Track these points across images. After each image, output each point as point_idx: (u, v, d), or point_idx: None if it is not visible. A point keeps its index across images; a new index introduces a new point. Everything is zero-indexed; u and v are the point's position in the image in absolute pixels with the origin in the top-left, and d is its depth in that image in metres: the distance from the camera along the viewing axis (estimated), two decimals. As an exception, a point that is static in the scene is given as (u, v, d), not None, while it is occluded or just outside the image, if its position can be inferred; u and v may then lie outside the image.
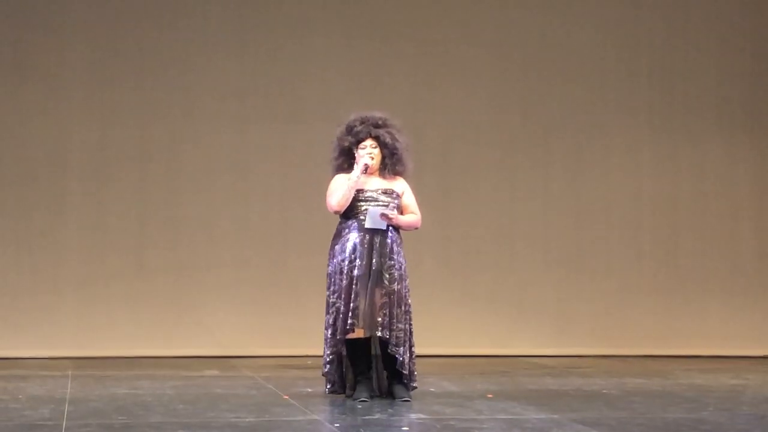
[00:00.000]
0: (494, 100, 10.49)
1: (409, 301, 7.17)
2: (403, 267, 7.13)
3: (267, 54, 10.19)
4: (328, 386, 7.22)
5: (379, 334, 6.99)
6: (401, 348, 7.04)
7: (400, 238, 7.20)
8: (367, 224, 7.04)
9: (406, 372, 7.07)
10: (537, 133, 10.54)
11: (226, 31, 10.16)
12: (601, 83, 10.63)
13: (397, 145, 7.20)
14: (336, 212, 7.17)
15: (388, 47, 10.35)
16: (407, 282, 7.17)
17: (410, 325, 7.16)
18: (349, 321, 6.99)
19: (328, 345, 7.12)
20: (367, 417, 6.54)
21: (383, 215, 7.03)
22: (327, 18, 10.29)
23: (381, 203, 7.11)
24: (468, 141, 10.43)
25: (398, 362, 7.03)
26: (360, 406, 6.87)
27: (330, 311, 7.10)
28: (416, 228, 7.30)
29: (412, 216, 7.24)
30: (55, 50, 9.93)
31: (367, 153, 7.14)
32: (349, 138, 7.19)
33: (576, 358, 10.12)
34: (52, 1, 9.95)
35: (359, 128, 7.18)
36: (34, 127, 9.89)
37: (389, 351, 7.02)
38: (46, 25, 9.92)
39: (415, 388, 7.21)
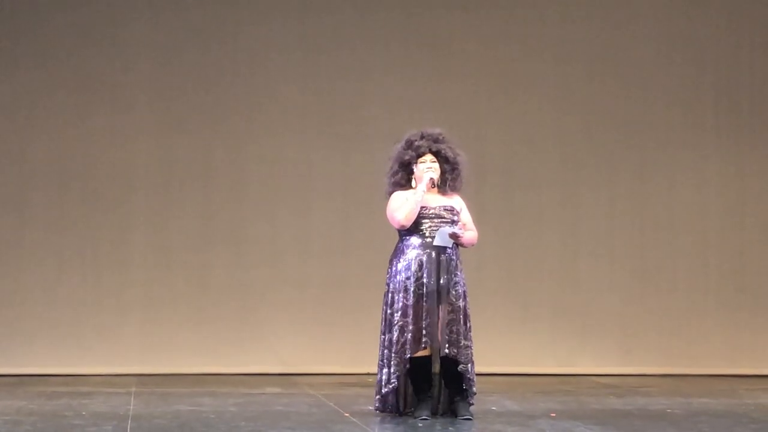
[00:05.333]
0: (557, 115, 10.43)
1: (470, 314, 7.11)
2: (464, 284, 7.11)
3: (329, 71, 10.22)
4: (379, 405, 7.11)
5: (447, 351, 6.95)
6: (469, 365, 7.00)
7: (459, 255, 7.17)
8: (436, 242, 7.00)
9: (474, 390, 7.02)
10: (601, 149, 10.46)
11: (288, 53, 10.20)
12: (666, 98, 10.52)
13: (458, 159, 7.18)
14: (402, 226, 7.08)
15: (450, 64, 10.33)
16: (468, 299, 7.14)
17: (471, 341, 7.12)
18: (423, 339, 6.93)
19: (391, 363, 7.02)
20: (428, 435, 6.52)
21: (452, 234, 7.00)
22: (388, 36, 10.30)
23: (445, 220, 7.07)
24: (531, 157, 10.38)
25: (466, 380, 6.99)
26: (421, 425, 6.84)
27: (393, 329, 7.04)
28: (473, 245, 7.25)
29: (472, 233, 7.22)
30: (119, 70, 10.03)
31: (427, 167, 7.11)
32: (410, 152, 7.16)
33: (640, 378, 10.01)
34: (115, 21, 10.05)
35: (420, 143, 7.15)
36: (100, 148, 10.00)
37: (459, 369, 6.97)
38: (111, 45, 10.03)
39: (472, 405, 7.14)
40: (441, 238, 6.99)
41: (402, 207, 7.07)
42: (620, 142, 10.48)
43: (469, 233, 7.18)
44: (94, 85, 10.01)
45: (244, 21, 10.19)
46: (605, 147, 10.46)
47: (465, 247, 7.20)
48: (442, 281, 7.00)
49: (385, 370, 7.05)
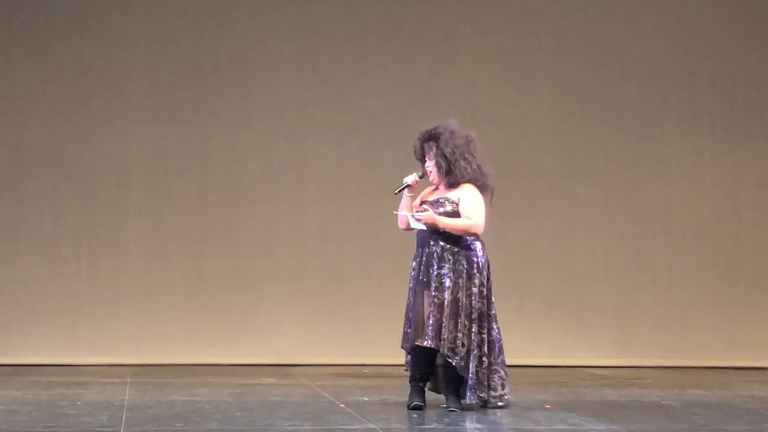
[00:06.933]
0: (553, 108, 10.44)
1: (477, 310, 7.05)
2: (465, 275, 7.03)
3: (324, 62, 10.22)
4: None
5: (425, 344, 6.98)
6: (459, 356, 6.99)
7: (462, 246, 7.07)
8: (412, 224, 7.07)
9: (470, 381, 7.01)
10: (596, 141, 10.47)
11: (284, 42, 10.19)
12: (662, 91, 10.54)
13: (440, 160, 7.09)
14: (401, 230, 7.28)
15: (445, 55, 10.33)
16: (479, 291, 7.06)
17: (477, 334, 7.06)
18: (406, 331, 7.10)
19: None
20: (423, 426, 6.53)
21: (414, 217, 7.03)
22: (384, 27, 10.30)
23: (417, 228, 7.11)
24: (527, 149, 10.39)
25: (458, 368, 6.97)
26: (416, 415, 6.86)
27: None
28: (470, 233, 7.09)
29: (461, 220, 7.05)
30: (113, 60, 10.02)
31: (426, 166, 7.18)
32: (416, 154, 7.28)
33: (635, 369, 10.03)
34: (112, 15, 10.04)
35: (417, 145, 7.25)
36: (94, 138, 10.00)
37: (446, 358, 7.00)
38: (105, 35, 10.02)
39: (485, 398, 7.09)
40: (413, 222, 7.06)
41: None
42: (616, 135, 10.49)
43: (454, 219, 7.03)
44: (88, 75, 10.00)
45: (239, 11, 10.18)
46: (601, 139, 10.47)
47: (455, 233, 7.05)
48: (422, 275, 7.07)
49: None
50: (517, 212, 10.30)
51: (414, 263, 7.16)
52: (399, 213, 7.16)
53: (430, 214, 7.02)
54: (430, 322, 6.98)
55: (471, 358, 7.01)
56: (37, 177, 9.93)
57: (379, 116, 10.09)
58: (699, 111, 10.57)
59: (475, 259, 7.10)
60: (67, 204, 9.96)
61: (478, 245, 7.14)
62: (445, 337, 6.97)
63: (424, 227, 7.04)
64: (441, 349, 6.97)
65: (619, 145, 10.50)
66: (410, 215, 7.05)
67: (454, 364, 6.98)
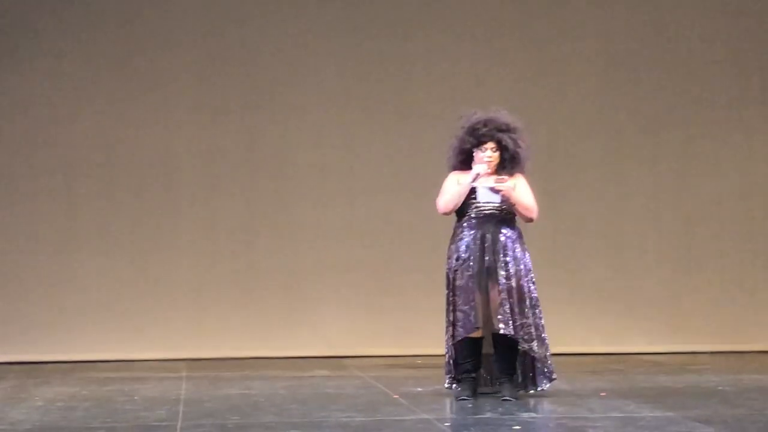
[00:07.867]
0: (601, 95, 10.37)
1: (534, 295, 7.08)
2: (522, 262, 7.05)
3: (372, 55, 10.21)
4: (447, 383, 7.20)
5: (502, 331, 6.94)
6: (534, 342, 7.00)
7: (517, 234, 7.12)
8: (482, 198, 6.98)
9: (546, 370, 7.06)
10: (645, 129, 10.39)
11: (331, 33, 10.20)
12: (711, 76, 10.43)
13: (519, 151, 7.09)
14: (443, 214, 7.18)
15: (492, 45, 10.28)
16: (531, 277, 7.09)
17: (540, 319, 7.09)
18: (473, 321, 6.96)
19: (448, 344, 7.12)
20: (477, 416, 6.53)
21: (493, 189, 6.95)
22: (429, 18, 10.27)
23: (492, 203, 7.04)
24: (575, 137, 10.33)
25: (536, 358, 7.02)
26: (470, 405, 6.85)
27: (449, 311, 7.08)
28: (530, 214, 7.11)
29: (526, 198, 7.08)
30: (162, 60, 10.06)
31: (487, 157, 7.06)
32: (471, 139, 7.11)
33: (690, 355, 9.95)
34: (158, 12, 10.09)
35: (483, 131, 7.08)
36: (146, 137, 10.05)
37: (520, 348, 6.99)
38: (153, 35, 10.07)
39: (554, 379, 7.16)
40: (484, 194, 6.98)
41: (446, 193, 7.11)
42: (663, 122, 10.39)
43: (520, 195, 7.04)
44: (137, 71, 10.04)
45: (285, 4, 10.20)
46: (648, 126, 10.37)
47: (518, 208, 7.06)
48: (487, 262, 7.01)
49: (446, 350, 7.15)
50: (565, 200, 10.24)
51: (464, 250, 7.05)
52: (476, 184, 6.97)
53: (509, 187, 6.98)
54: (507, 308, 6.94)
55: (544, 343, 7.06)
56: (90, 173, 10.00)
57: (426, 108, 10.05)
58: (748, 97, 10.44)
59: (526, 246, 7.12)
60: (119, 198, 10.02)
61: (520, 233, 7.16)
62: (518, 324, 6.97)
63: (498, 200, 6.97)
64: (516, 335, 6.95)
65: (667, 132, 10.38)
66: (487, 187, 6.94)
67: (533, 354, 7.00)
